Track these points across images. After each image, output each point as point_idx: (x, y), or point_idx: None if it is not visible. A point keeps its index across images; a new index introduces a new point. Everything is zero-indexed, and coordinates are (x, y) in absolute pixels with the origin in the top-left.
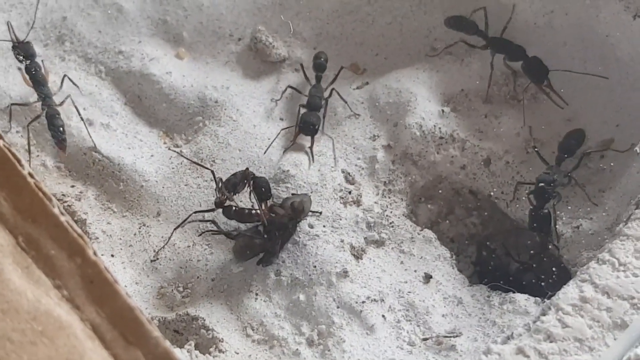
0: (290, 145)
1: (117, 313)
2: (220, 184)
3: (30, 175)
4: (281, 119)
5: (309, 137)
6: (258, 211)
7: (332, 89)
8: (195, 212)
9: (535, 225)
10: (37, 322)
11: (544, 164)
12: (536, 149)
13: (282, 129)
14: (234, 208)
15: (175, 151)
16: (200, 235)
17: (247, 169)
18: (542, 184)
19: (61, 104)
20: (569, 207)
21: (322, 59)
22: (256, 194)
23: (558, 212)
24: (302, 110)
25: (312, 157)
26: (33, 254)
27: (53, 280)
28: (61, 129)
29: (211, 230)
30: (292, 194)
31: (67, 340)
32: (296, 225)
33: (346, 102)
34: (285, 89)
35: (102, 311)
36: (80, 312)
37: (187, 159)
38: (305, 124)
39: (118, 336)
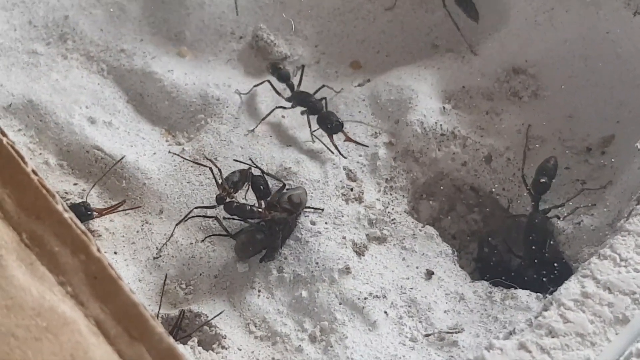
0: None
1: (121, 309)
2: (221, 180)
3: (34, 172)
4: (283, 117)
5: (299, 139)
6: (259, 208)
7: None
8: (196, 208)
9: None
10: (41, 318)
11: (530, 196)
12: (523, 174)
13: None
14: (235, 204)
15: (174, 153)
16: (203, 240)
17: (250, 168)
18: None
19: None
20: (570, 203)
21: (281, 67)
22: (255, 192)
23: (560, 209)
24: (310, 117)
25: (340, 152)
26: (37, 251)
27: (57, 277)
28: None
29: (214, 234)
30: (287, 189)
31: (71, 336)
32: (296, 220)
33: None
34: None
35: (106, 307)
36: (84, 308)
37: (185, 158)
38: (333, 122)
39: (122, 332)
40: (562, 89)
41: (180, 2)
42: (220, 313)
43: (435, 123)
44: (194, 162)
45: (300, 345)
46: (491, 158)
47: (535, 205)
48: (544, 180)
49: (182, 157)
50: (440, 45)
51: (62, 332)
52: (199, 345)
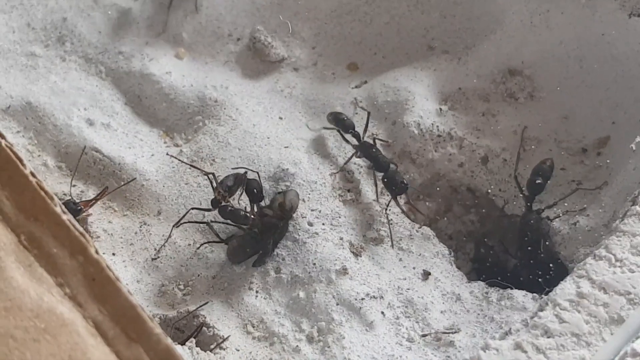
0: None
1: (119, 310)
2: (216, 184)
3: (32, 174)
4: (280, 118)
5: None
6: (252, 214)
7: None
8: (193, 209)
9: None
10: (39, 319)
11: (520, 192)
12: (516, 175)
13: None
14: (229, 208)
15: (172, 156)
16: (198, 248)
17: (246, 172)
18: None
19: None
20: (566, 204)
21: (344, 117)
22: (248, 196)
23: (555, 209)
24: (377, 173)
25: (405, 212)
26: (35, 252)
27: (55, 278)
28: None
29: (208, 242)
30: (278, 193)
31: (69, 338)
32: (287, 224)
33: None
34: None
35: (104, 308)
36: (82, 309)
37: (183, 161)
38: (398, 184)
39: (120, 333)
40: (557, 90)
41: (177, 4)
42: (205, 304)
43: (432, 124)
44: (190, 166)
45: (297, 346)
46: (487, 159)
47: (529, 205)
48: (539, 181)
49: (179, 160)
50: (436, 47)
51: (61, 333)
52: (197, 346)
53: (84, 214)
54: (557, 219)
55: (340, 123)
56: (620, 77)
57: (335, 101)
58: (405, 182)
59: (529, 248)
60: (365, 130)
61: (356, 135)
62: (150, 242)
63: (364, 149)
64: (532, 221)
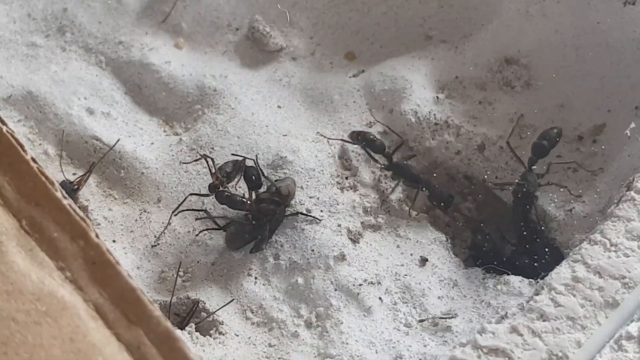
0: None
1: (119, 293)
2: (214, 170)
3: (33, 160)
4: (279, 107)
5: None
6: (247, 200)
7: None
8: (191, 195)
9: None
10: (41, 302)
11: (519, 163)
12: (510, 146)
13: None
14: (226, 194)
15: (183, 162)
16: (197, 235)
17: (245, 159)
18: (519, 203)
19: None
20: (562, 190)
21: (373, 137)
22: (246, 183)
23: (551, 195)
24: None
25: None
26: (36, 237)
27: (56, 262)
28: None
29: (207, 229)
30: (276, 180)
31: (70, 320)
32: (284, 211)
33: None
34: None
35: (105, 292)
36: (83, 292)
37: (187, 163)
38: (446, 198)
39: (120, 316)
40: (554, 78)
41: None
42: (228, 303)
43: (429, 112)
44: (194, 161)
45: (296, 331)
46: (484, 147)
47: (529, 167)
48: (544, 143)
49: (183, 162)
50: (433, 36)
51: (62, 317)
52: (196, 331)
53: (81, 195)
54: (552, 204)
55: (370, 144)
56: (615, 65)
57: (333, 90)
58: (451, 194)
59: (525, 233)
60: (393, 153)
61: (388, 156)
62: (150, 230)
63: (401, 171)
64: (524, 190)
